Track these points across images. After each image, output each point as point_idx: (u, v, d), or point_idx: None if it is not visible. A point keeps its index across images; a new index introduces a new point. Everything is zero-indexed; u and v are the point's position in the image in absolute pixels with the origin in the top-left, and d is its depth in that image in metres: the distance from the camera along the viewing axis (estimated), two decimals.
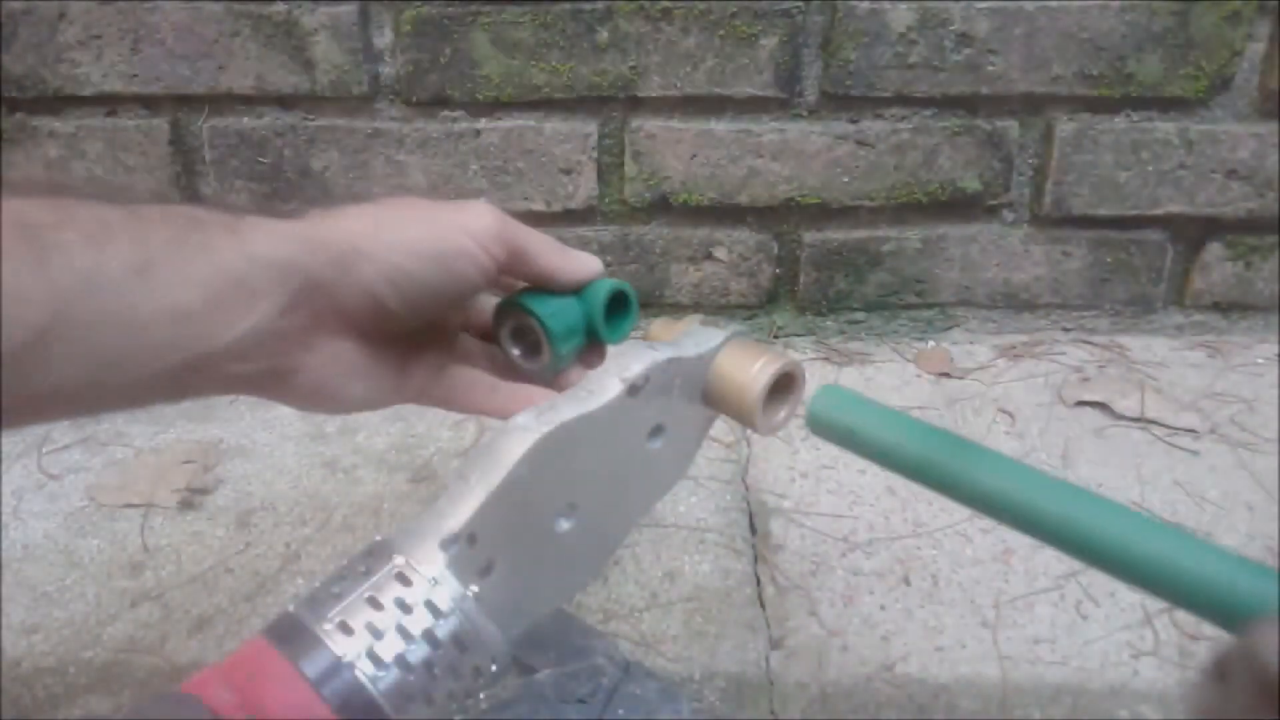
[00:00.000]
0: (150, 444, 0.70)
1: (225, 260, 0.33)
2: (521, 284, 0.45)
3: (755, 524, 0.62)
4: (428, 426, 0.72)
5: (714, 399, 0.41)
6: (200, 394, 0.36)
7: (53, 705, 0.49)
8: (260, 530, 0.61)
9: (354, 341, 0.38)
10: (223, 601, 0.56)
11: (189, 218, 0.33)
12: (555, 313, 0.42)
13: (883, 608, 0.55)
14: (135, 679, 0.51)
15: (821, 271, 0.81)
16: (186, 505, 0.64)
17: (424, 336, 0.44)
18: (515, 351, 0.45)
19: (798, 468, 0.67)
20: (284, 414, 0.74)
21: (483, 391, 0.44)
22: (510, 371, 0.45)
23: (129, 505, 0.64)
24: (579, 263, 0.43)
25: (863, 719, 0.48)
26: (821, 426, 0.38)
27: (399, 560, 0.30)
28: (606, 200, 0.79)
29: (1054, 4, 0.72)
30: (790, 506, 0.63)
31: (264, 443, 0.70)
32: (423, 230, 0.37)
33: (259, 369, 0.35)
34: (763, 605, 0.55)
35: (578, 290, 0.43)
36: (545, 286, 0.43)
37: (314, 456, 0.69)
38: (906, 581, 0.57)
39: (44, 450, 0.70)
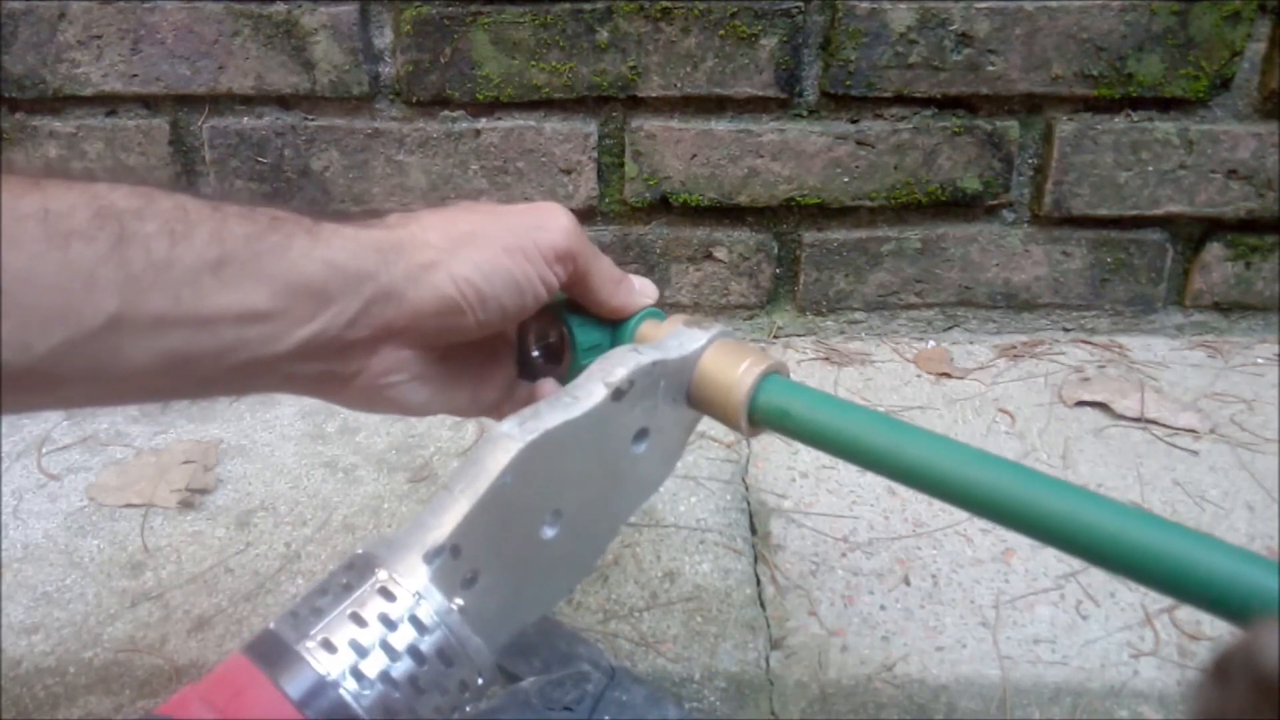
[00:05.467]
0: (150, 444, 0.70)
1: (301, 263, 0.33)
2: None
3: (755, 524, 0.62)
4: (428, 426, 0.72)
5: (699, 401, 0.40)
6: (260, 390, 0.36)
7: (53, 705, 0.49)
8: (260, 530, 0.61)
9: (419, 350, 0.39)
10: (223, 601, 0.56)
11: (270, 218, 0.34)
12: (586, 327, 0.43)
13: (883, 608, 0.55)
14: (135, 679, 0.51)
15: (821, 271, 0.81)
16: (186, 505, 0.64)
17: (494, 351, 0.45)
18: (535, 353, 0.46)
19: (798, 468, 0.67)
20: (284, 414, 0.74)
21: None
22: (525, 370, 0.46)
23: (129, 505, 0.64)
24: (630, 301, 0.43)
25: (863, 719, 0.48)
26: (759, 414, 0.38)
27: (381, 574, 0.30)
28: (606, 200, 0.79)
29: (1054, 4, 0.72)
30: (790, 506, 0.63)
31: (264, 443, 0.70)
32: (498, 248, 0.38)
33: (319, 370, 0.36)
34: (763, 605, 0.55)
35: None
36: (591, 313, 0.44)
37: (314, 456, 0.69)
38: (906, 581, 0.57)
39: (44, 450, 0.70)
